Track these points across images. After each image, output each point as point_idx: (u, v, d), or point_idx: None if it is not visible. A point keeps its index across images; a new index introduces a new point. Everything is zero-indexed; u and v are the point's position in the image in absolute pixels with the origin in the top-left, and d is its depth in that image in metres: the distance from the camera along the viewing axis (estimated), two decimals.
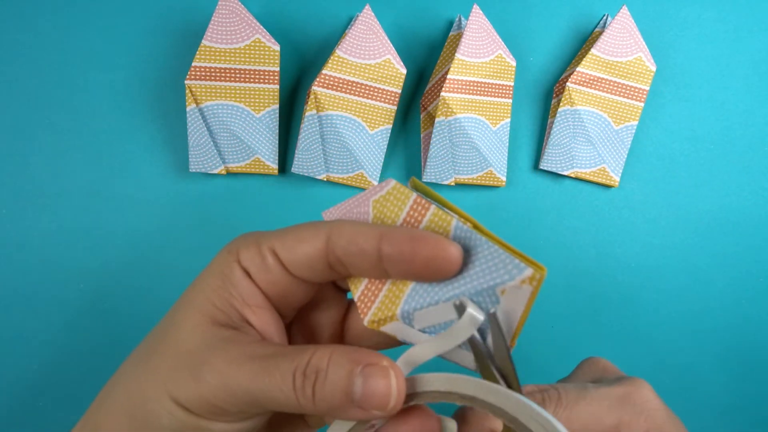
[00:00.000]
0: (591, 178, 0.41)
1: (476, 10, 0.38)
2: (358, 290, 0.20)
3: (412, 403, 0.18)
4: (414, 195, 0.19)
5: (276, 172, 0.39)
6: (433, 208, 0.18)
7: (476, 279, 0.17)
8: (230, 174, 0.39)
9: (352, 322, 0.22)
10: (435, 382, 0.17)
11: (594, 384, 0.24)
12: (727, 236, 0.42)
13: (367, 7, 0.36)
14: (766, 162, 0.42)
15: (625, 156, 0.41)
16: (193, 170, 0.38)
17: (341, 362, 0.17)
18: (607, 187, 0.42)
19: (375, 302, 0.19)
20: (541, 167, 0.41)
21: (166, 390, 0.18)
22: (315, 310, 0.22)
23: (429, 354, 0.18)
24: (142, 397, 0.18)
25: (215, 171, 0.38)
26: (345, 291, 0.22)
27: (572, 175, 0.41)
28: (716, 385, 0.42)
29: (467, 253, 0.17)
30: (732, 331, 0.42)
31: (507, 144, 0.40)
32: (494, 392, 0.16)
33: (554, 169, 0.41)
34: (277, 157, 0.39)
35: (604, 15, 0.41)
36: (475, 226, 0.18)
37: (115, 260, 0.38)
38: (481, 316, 0.17)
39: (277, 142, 0.38)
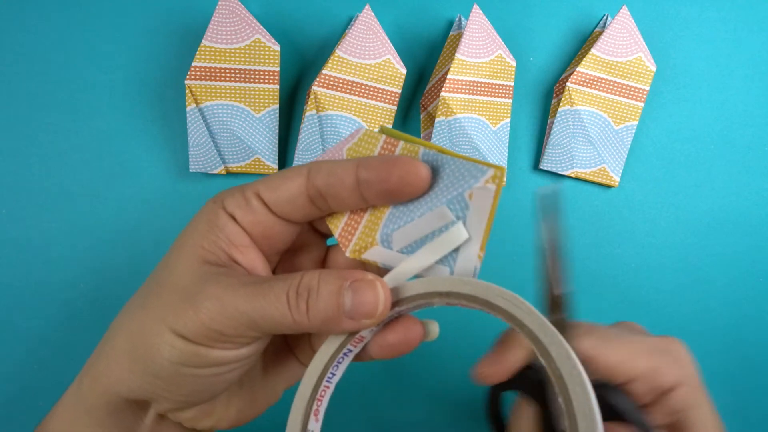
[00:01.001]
0: (591, 178, 0.41)
1: (476, 10, 0.38)
2: (338, 228, 0.21)
3: (396, 311, 0.20)
4: (383, 137, 0.20)
5: (276, 171, 0.39)
6: (402, 143, 0.20)
7: (446, 191, 0.19)
8: (230, 174, 0.39)
9: (333, 264, 0.24)
10: (415, 286, 0.19)
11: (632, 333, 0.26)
12: (727, 236, 0.42)
13: (367, 7, 0.36)
14: (766, 162, 0.42)
15: (625, 156, 0.41)
16: (193, 170, 0.38)
17: (330, 279, 0.19)
18: (607, 187, 0.42)
19: (355, 234, 0.20)
20: (541, 167, 0.41)
21: (166, 324, 0.19)
22: (297, 254, 0.24)
23: (413, 268, 0.19)
24: (142, 335, 0.19)
25: (215, 171, 0.38)
26: (324, 236, 0.24)
27: (572, 175, 0.41)
28: (716, 385, 0.42)
29: (435, 172, 0.19)
30: (732, 331, 0.42)
31: (507, 144, 0.40)
32: (467, 283, 0.18)
33: (554, 169, 0.41)
34: (277, 157, 0.39)
35: (604, 15, 0.41)
36: (441, 150, 0.19)
37: (115, 260, 0.38)
38: (460, 224, 0.18)
39: (277, 142, 0.38)
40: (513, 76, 0.40)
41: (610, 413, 0.22)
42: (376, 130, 0.21)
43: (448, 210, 0.18)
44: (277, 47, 0.36)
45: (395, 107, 0.38)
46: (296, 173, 0.20)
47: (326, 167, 0.19)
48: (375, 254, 0.20)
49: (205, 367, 0.19)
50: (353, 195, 0.19)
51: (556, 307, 0.22)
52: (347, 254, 0.21)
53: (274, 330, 0.19)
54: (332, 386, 0.21)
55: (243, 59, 0.36)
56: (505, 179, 0.18)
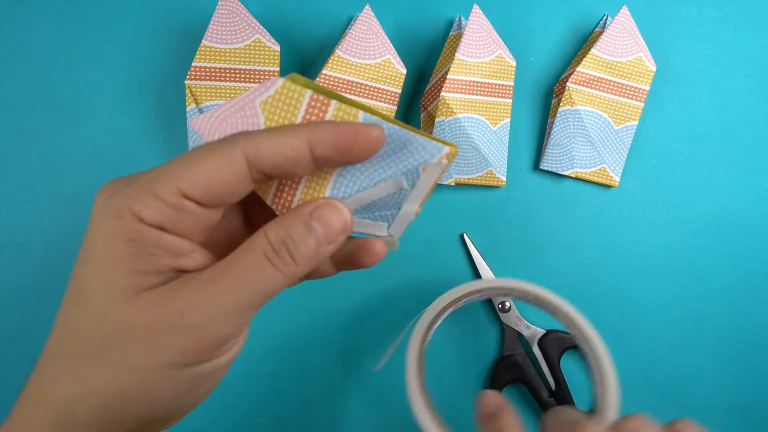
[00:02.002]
0: (591, 178, 0.41)
1: (476, 10, 0.38)
2: (269, 194, 0.20)
3: (447, 312, 0.27)
4: (309, 92, 0.19)
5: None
6: (334, 103, 0.19)
7: (399, 161, 0.20)
8: None
9: (260, 221, 0.22)
10: (458, 289, 0.27)
11: None
12: (727, 236, 0.42)
13: (367, 7, 0.36)
14: (766, 162, 0.42)
15: (625, 156, 0.41)
16: None
17: (294, 223, 0.19)
18: (607, 187, 0.42)
19: (295, 198, 0.20)
20: (541, 167, 0.41)
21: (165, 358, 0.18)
22: (219, 227, 0.22)
23: (364, 201, 0.21)
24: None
25: None
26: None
27: (572, 175, 0.41)
28: (716, 385, 0.42)
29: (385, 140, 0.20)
30: (732, 331, 0.42)
31: (507, 144, 0.40)
32: (502, 280, 0.28)
33: (554, 169, 0.41)
34: None
35: (604, 15, 0.41)
36: (385, 118, 0.20)
37: None
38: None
39: None
40: (513, 76, 0.40)
41: None
42: (284, 81, 0.20)
43: (404, 181, 0.20)
44: (277, 47, 0.36)
45: (395, 107, 0.38)
46: (224, 156, 0.17)
47: (267, 144, 0.18)
48: None
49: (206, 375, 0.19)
50: (307, 170, 0.19)
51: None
52: None
53: (271, 296, 0.19)
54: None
55: (243, 59, 0.36)
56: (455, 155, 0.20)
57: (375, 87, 0.37)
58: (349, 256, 0.23)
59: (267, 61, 0.36)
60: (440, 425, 0.27)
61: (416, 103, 0.41)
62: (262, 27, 0.36)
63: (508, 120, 0.40)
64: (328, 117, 0.19)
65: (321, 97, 0.19)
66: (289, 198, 0.20)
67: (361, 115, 0.19)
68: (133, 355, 0.17)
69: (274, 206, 0.20)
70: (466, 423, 0.40)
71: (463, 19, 0.39)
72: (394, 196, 0.21)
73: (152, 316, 0.17)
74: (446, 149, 0.20)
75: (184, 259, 0.18)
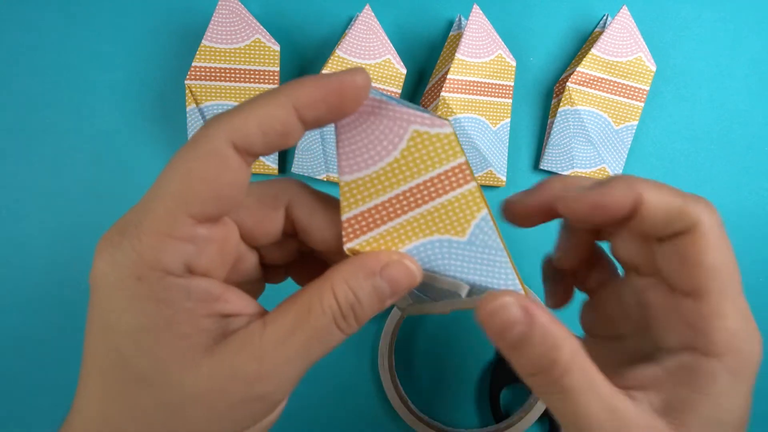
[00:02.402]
0: None
1: (476, 10, 0.38)
2: (349, 213, 0.19)
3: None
4: (462, 159, 0.18)
5: (276, 172, 0.39)
6: (473, 184, 0.18)
7: (479, 273, 0.19)
8: None
9: (272, 259, 0.21)
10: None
11: None
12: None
13: (367, 7, 0.36)
14: (766, 162, 0.42)
15: (625, 156, 0.41)
16: None
17: (362, 284, 0.17)
18: None
19: (372, 231, 0.19)
20: (541, 167, 0.41)
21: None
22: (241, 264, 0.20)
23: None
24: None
25: None
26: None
27: (572, 175, 0.41)
28: None
29: (482, 244, 0.19)
30: None
31: (507, 144, 0.40)
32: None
33: (554, 169, 0.41)
34: (277, 157, 0.39)
35: (604, 15, 0.41)
36: (496, 227, 0.19)
37: None
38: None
39: None
40: (513, 76, 0.40)
41: None
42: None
43: (464, 291, 0.19)
44: (277, 47, 0.36)
45: None
46: (213, 157, 0.16)
47: (252, 126, 0.16)
48: None
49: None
50: (297, 138, 0.17)
51: None
52: (346, 249, 0.19)
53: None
54: None
55: (243, 59, 0.36)
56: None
57: (375, 87, 0.37)
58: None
59: (267, 61, 0.36)
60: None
61: (416, 103, 0.41)
62: (262, 27, 0.36)
63: (508, 120, 0.40)
64: (452, 193, 0.18)
65: (467, 171, 0.18)
66: (369, 225, 0.19)
67: (483, 213, 0.18)
68: (203, 425, 0.16)
69: (346, 224, 0.19)
70: (465, 423, 0.40)
71: (463, 19, 0.39)
72: (444, 292, 0.20)
73: (219, 386, 0.16)
74: (518, 290, 0.19)
75: (221, 304, 0.17)
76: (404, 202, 0.18)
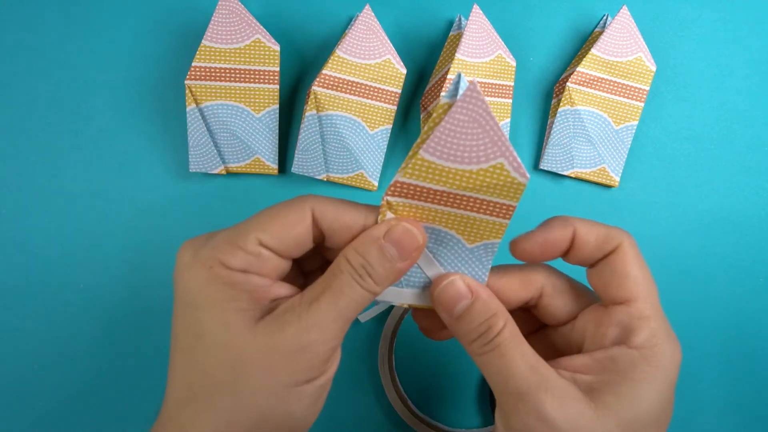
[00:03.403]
0: (591, 178, 0.41)
1: (476, 10, 0.38)
2: (406, 179, 0.21)
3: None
4: (515, 203, 0.21)
5: (276, 172, 0.39)
6: (508, 221, 0.22)
7: (460, 271, 0.23)
8: (230, 174, 0.39)
9: (310, 267, 0.26)
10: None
11: None
12: (727, 236, 0.42)
13: (367, 7, 0.36)
14: (766, 162, 0.42)
15: (625, 156, 0.41)
16: (193, 170, 0.38)
17: (369, 249, 0.21)
18: (607, 187, 0.42)
19: (407, 200, 0.22)
20: (541, 167, 0.41)
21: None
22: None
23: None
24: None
25: (215, 171, 0.38)
26: None
27: (572, 175, 0.41)
28: (716, 385, 0.42)
29: (478, 258, 0.23)
30: (732, 331, 0.42)
31: None
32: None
33: (554, 169, 0.41)
34: (277, 157, 0.39)
35: (604, 15, 0.41)
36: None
37: (114, 260, 0.38)
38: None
39: (277, 142, 0.38)
40: (513, 76, 0.40)
41: None
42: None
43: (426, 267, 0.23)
44: (277, 47, 0.36)
45: (395, 107, 0.38)
46: (296, 213, 0.21)
47: (330, 210, 0.21)
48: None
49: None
50: (348, 241, 0.22)
51: None
52: (388, 197, 0.21)
53: (362, 309, 0.21)
54: None
55: (243, 59, 0.36)
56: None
57: (375, 87, 0.37)
58: None
59: (267, 61, 0.36)
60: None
61: (416, 103, 0.41)
62: (262, 27, 0.36)
63: (508, 120, 0.40)
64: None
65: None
66: (409, 195, 0.21)
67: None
68: (263, 380, 0.20)
69: (398, 184, 0.21)
70: (465, 423, 0.40)
71: (463, 19, 0.39)
72: (426, 281, 0.23)
73: (272, 341, 0.20)
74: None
75: (273, 290, 0.21)
76: (451, 200, 0.21)
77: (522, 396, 0.20)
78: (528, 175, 0.19)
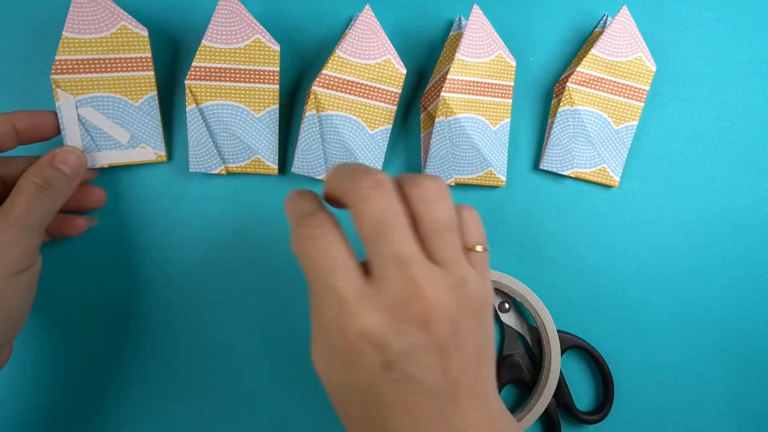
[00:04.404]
0: (591, 178, 0.41)
1: (476, 10, 0.38)
2: (64, 57, 0.33)
3: None
4: (149, 54, 0.32)
5: (276, 172, 0.39)
6: (152, 72, 0.33)
7: (143, 131, 0.35)
8: (230, 174, 0.39)
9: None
10: None
11: None
12: (727, 236, 0.42)
13: (367, 7, 0.36)
14: (766, 162, 0.42)
15: (625, 156, 0.41)
16: (193, 170, 0.38)
17: (43, 170, 0.30)
18: (607, 187, 0.42)
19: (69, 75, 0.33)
20: (541, 167, 0.41)
21: None
22: None
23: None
24: None
25: (215, 171, 0.38)
26: None
27: (572, 175, 0.41)
28: (716, 385, 0.42)
29: (148, 113, 0.34)
30: (732, 331, 0.42)
31: (507, 144, 0.40)
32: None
33: (554, 169, 0.41)
34: (277, 157, 0.39)
35: (604, 15, 0.41)
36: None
37: (113, 260, 0.38)
38: None
39: (277, 142, 0.38)
40: (513, 76, 0.40)
41: None
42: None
43: (127, 138, 0.34)
44: (277, 47, 0.36)
45: (395, 107, 0.38)
46: None
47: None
48: None
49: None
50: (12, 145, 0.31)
51: None
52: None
53: (51, 214, 0.30)
54: None
55: (243, 59, 0.36)
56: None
57: (375, 87, 0.37)
58: (58, 228, 0.35)
59: (267, 61, 0.36)
60: None
61: (416, 103, 0.41)
62: (262, 27, 0.36)
63: (508, 120, 0.40)
64: None
65: None
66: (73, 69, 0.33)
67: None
68: None
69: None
70: None
71: (463, 19, 0.39)
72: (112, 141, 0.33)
73: None
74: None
75: None
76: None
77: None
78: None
